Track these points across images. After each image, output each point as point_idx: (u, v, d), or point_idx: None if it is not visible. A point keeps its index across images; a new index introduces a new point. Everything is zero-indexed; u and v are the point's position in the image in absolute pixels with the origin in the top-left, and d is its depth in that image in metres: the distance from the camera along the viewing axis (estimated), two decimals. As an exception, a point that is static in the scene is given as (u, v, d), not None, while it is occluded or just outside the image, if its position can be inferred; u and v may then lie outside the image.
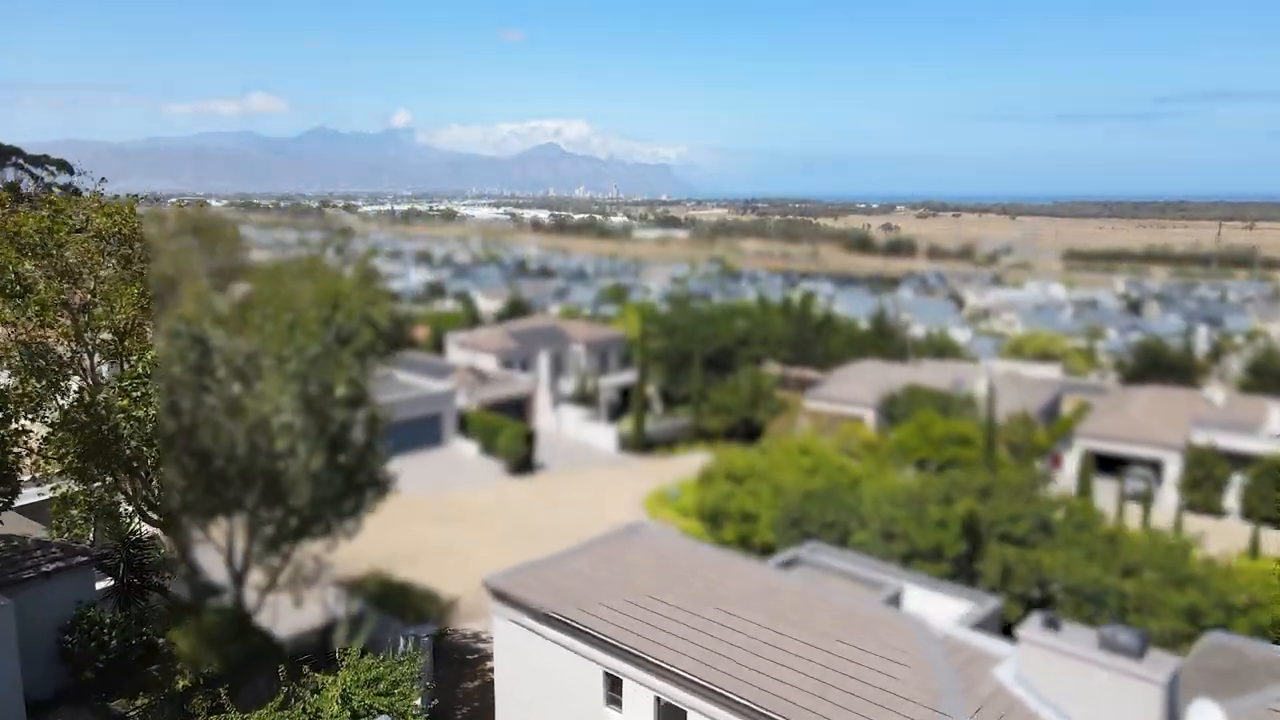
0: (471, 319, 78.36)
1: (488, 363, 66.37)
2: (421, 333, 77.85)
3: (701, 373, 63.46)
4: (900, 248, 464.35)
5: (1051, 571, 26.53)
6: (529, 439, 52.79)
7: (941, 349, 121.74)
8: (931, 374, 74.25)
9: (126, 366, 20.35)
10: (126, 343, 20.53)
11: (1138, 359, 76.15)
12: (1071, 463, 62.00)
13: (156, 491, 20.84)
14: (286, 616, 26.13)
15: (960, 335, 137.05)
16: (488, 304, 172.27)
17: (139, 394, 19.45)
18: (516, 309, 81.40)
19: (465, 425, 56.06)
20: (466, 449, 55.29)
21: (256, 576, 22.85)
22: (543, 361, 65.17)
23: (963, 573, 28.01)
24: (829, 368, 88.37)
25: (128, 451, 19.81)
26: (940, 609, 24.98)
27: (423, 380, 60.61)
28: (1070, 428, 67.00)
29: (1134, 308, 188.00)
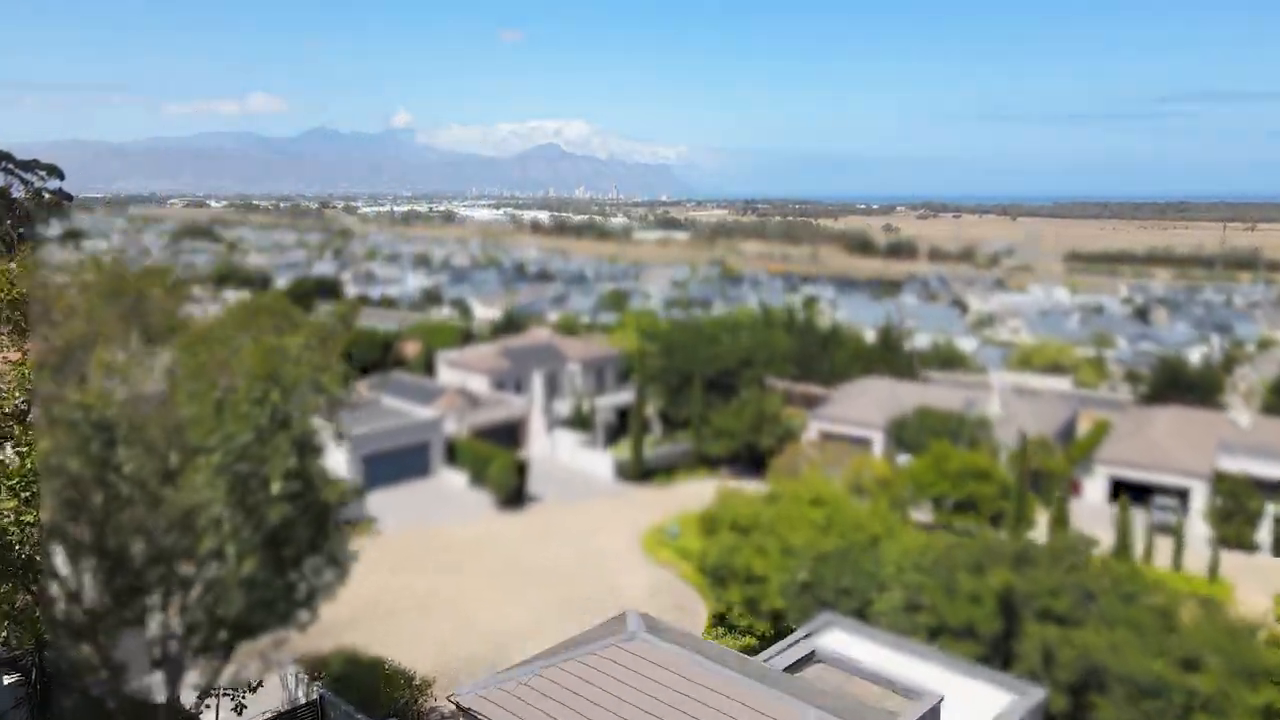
0: (464, 334, 75.33)
1: (479, 384, 63.32)
2: (412, 349, 74.88)
3: (702, 395, 60.42)
4: (901, 250, 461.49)
5: (1098, 654, 23.56)
6: (520, 470, 49.77)
7: (948, 359, 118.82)
8: (941, 393, 71.24)
9: (15, 461, 17.36)
10: (18, 428, 17.55)
11: (1156, 376, 73.01)
12: (1093, 489, 59.03)
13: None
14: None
15: (966, 344, 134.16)
16: (485, 311, 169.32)
17: (29, 494, 16.48)
18: (511, 324, 78.45)
19: (454, 454, 53.08)
20: (455, 480, 52.27)
21: (194, 676, 19.96)
22: (536, 382, 62.16)
23: (997, 654, 25.04)
24: (835, 383, 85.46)
25: (21, 558, 16.83)
26: (982, 702, 22.02)
27: (411, 406, 57.55)
28: (1089, 450, 64.02)
29: (1141, 314, 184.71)
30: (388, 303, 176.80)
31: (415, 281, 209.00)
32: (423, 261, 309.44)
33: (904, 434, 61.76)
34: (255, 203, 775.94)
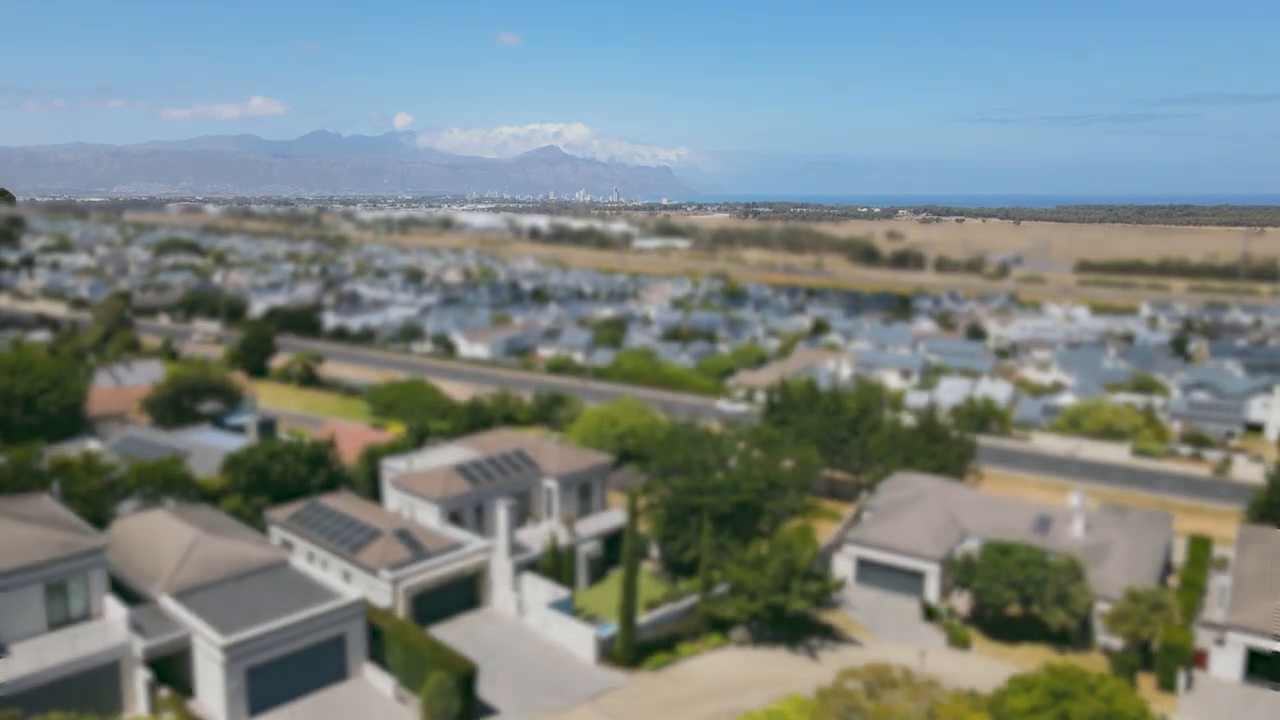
0: (419, 435, 61.53)
1: (428, 515, 49.84)
2: (350, 449, 61.33)
3: (712, 537, 46.92)
4: (907, 259, 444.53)
5: None
6: (466, 684, 36.26)
7: (985, 417, 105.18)
8: (1005, 509, 57.71)
9: None
10: None
11: (1272, 488, 59.42)
12: (1224, 662, 45.33)
13: None
14: None
15: (999, 391, 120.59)
16: (469, 348, 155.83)
17: None
18: (478, 416, 64.48)
19: (380, 641, 39.54)
20: (379, 685, 38.66)
21: None
22: (501, 517, 48.56)
23: None
24: (867, 470, 72.00)
25: None
26: None
27: (332, 556, 44.09)
28: (1201, 591, 50.52)
29: (1178, 346, 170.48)
30: (367, 334, 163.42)
31: (400, 310, 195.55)
32: (415, 277, 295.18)
33: (971, 581, 48.25)
34: (253, 207, 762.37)
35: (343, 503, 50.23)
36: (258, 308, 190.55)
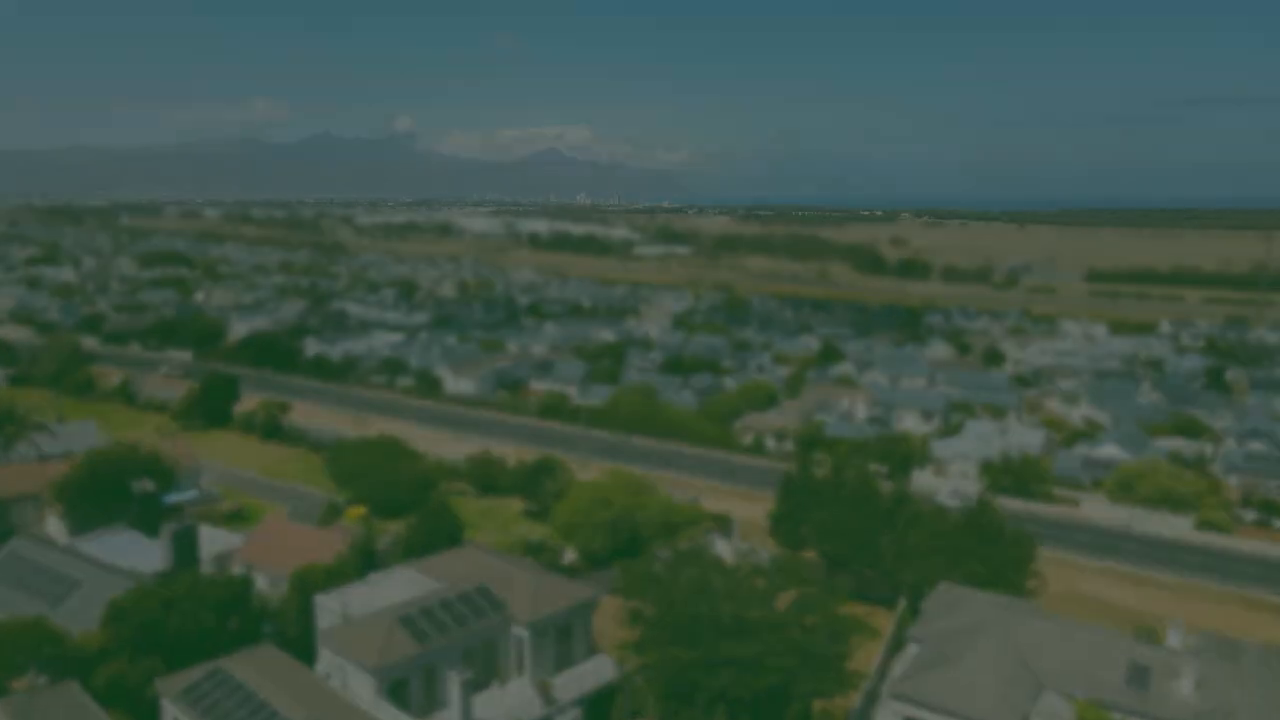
0: (365, 554, 50.36)
1: (364, 685, 39.04)
2: (286, 559, 50.53)
3: (726, 724, 36.09)
4: (913, 268, 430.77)
5: None
6: None
7: (1021, 475, 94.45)
8: (1088, 652, 46.79)
9: None
10: None
11: None
12: None
13: None
14: None
15: (1031, 439, 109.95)
16: (455, 383, 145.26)
17: None
18: (435, 528, 53.15)
19: None
20: None
21: None
22: (455, 694, 37.71)
23: None
24: (904, 570, 61.19)
25: None
26: None
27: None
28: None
29: (1215, 378, 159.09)
30: (350, 363, 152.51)
31: (387, 334, 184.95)
32: (409, 291, 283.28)
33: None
34: (251, 212, 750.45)
35: (255, 669, 39.41)
36: (237, 331, 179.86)
